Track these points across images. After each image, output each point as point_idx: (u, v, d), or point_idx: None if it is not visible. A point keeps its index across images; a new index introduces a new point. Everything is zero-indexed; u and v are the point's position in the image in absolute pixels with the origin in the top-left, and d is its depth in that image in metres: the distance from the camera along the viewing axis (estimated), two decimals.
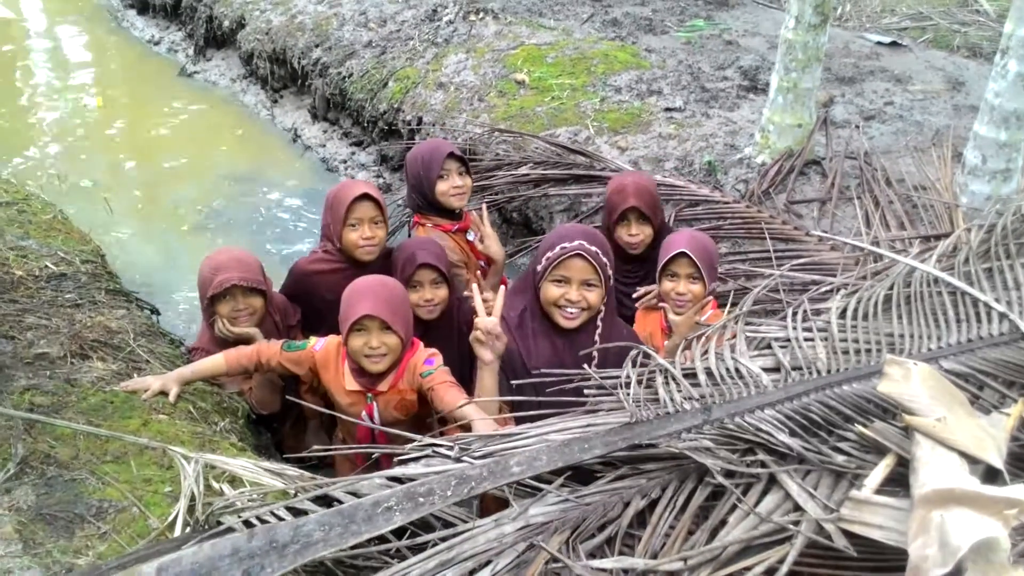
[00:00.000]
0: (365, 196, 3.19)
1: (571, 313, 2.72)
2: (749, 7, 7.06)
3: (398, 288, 2.90)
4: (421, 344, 2.94)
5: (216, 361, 2.90)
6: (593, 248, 2.69)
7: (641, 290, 3.32)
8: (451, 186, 3.49)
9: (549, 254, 2.71)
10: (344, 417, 2.84)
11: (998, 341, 2.64)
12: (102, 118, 7.24)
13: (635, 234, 3.44)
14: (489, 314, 2.70)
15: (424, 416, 2.94)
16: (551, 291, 2.72)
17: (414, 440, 2.53)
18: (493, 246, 3.63)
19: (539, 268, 2.74)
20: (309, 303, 3.34)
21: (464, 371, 2.96)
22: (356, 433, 2.98)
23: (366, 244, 3.21)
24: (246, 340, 3.04)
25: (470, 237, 3.63)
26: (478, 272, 3.68)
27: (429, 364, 2.85)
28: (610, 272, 2.75)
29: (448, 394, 2.73)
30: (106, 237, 4.02)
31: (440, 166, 3.46)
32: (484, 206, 3.71)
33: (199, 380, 2.93)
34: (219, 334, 3.04)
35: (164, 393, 2.78)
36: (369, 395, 2.86)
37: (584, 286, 2.71)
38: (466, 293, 3.11)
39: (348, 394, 2.87)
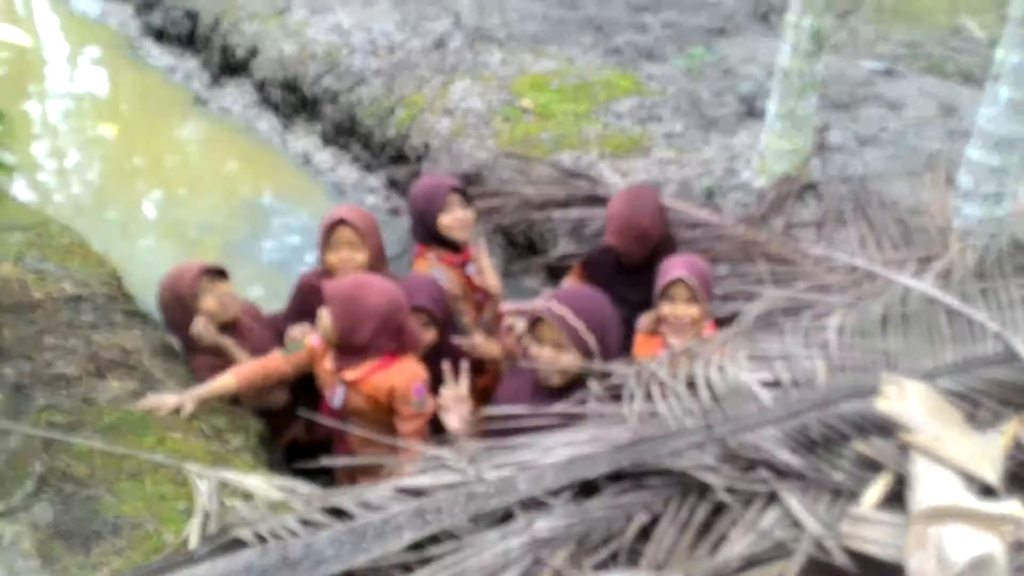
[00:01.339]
0: (341, 221, 3.31)
1: (545, 373, 2.75)
2: (747, 35, 7.16)
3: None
4: (406, 359, 3.03)
5: (226, 380, 2.97)
6: (559, 312, 2.68)
7: (643, 318, 3.39)
8: (454, 218, 3.54)
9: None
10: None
11: (992, 360, 2.70)
12: (118, 144, 7.34)
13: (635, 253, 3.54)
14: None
15: (390, 415, 3.04)
16: (532, 349, 2.76)
17: (374, 438, 2.77)
18: (490, 279, 3.68)
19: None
20: (306, 314, 3.41)
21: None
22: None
23: (344, 267, 3.32)
24: (219, 353, 3.16)
25: (470, 270, 3.68)
26: (476, 303, 3.75)
27: (418, 395, 2.98)
28: (585, 336, 2.68)
29: (406, 430, 2.97)
30: (122, 260, 4.08)
31: (442, 199, 3.52)
32: (482, 240, 3.77)
33: (213, 398, 2.99)
34: (198, 334, 3.12)
35: (179, 410, 2.84)
36: (339, 379, 3.00)
37: (553, 347, 2.71)
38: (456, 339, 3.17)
39: (325, 373, 3.04)
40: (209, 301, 3.14)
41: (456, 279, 3.62)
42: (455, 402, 2.82)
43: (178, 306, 3.15)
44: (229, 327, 3.23)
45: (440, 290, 3.32)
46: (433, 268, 3.58)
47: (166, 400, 2.85)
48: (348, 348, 2.95)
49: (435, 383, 3.07)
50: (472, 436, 2.77)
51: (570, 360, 2.68)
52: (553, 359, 2.70)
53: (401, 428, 2.97)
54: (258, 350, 3.20)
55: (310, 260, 5.50)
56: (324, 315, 2.93)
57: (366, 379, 2.96)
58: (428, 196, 3.56)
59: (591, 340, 2.68)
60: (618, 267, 3.63)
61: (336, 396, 3.02)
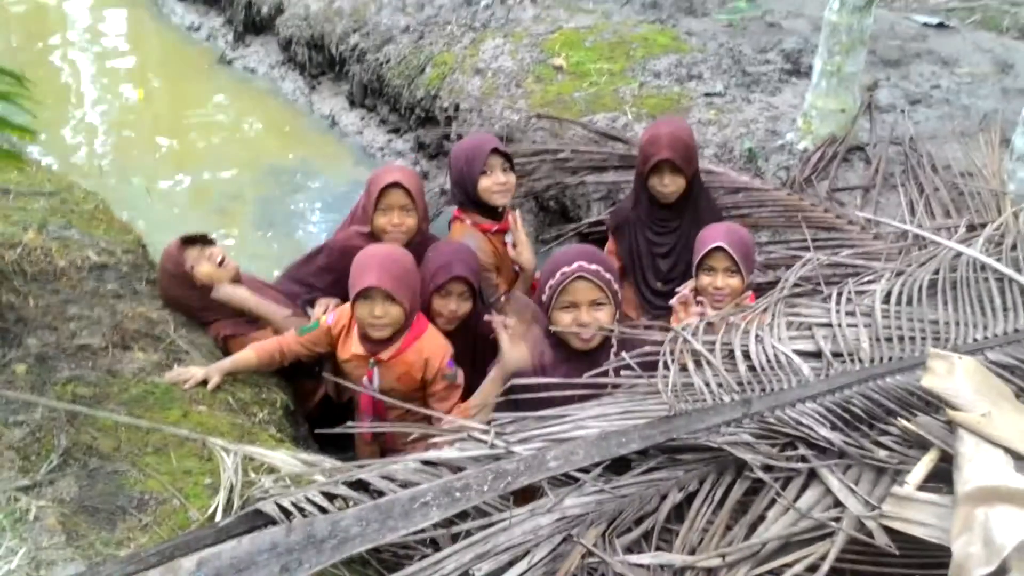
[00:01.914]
0: (396, 184, 3.23)
1: (586, 336, 2.67)
2: None
3: (406, 259, 2.94)
4: (432, 328, 3.01)
5: (247, 355, 3.00)
6: (593, 267, 2.62)
7: (679, 289, 3.29)
8: (494, 182, 3.44)
9: (551, 282, 2.65)
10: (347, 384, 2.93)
11: None
12: (143, 108, 7.31)
13: (667, 184, 3.41)
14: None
15: (421, 391, 3.02)
16: (562, 318, 2.67)
17: (412, 410, 2.73)
18: (525, 253, 3.58)
19: (544, 298, 2.69)
20: (342, 279, 3.35)
21: (473, 382, 2.99)
22: (357, 400, 3.07)
23: (394, 231, 3.27)
24: (239, 313, 3.18)
25: (508, 239, 3.59)
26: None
27: (451, 367, 2.96)
28: (616, 287, 2.68)
29: (443, 409, 2.92)
30: (148, 227, 4.05)
31: (483, 162, 3.41)
32: (518, 212, 3.66)
33: (238, 371, 2.99)
34: (226, 296, 3.16)
35: (205, 383, 2.83)
36: (372, 360, 2.95)
37: (593, 306, 2.65)
38: (486, 318, 3.10)
39: (353, 357, 2.98)
40: (203, 267, 3.15)
41: (490, 249, 3.53)
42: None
43: (176, 283, 3.17)
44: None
45: (476, 260, 3.23)
46: (467, 234, 3.49)
47: (193, 373, 2.83)
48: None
49: (463, 357, 3.01)
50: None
51: (608, 316, 2.66)
52: (594, 319, 2.65)
53: (437, 409, 2.91)
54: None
55: (336, 225, 5.45)
56: (387, 307, 2.84)
57: (400, 356, 2.92)
58: (469, 157, 3.46)
59: (617, 294, 2.68)
60: (648, 211, 3.53)
61: (374, 379, 2.97)
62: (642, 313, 3.58)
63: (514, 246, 3.58)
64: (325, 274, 3.41)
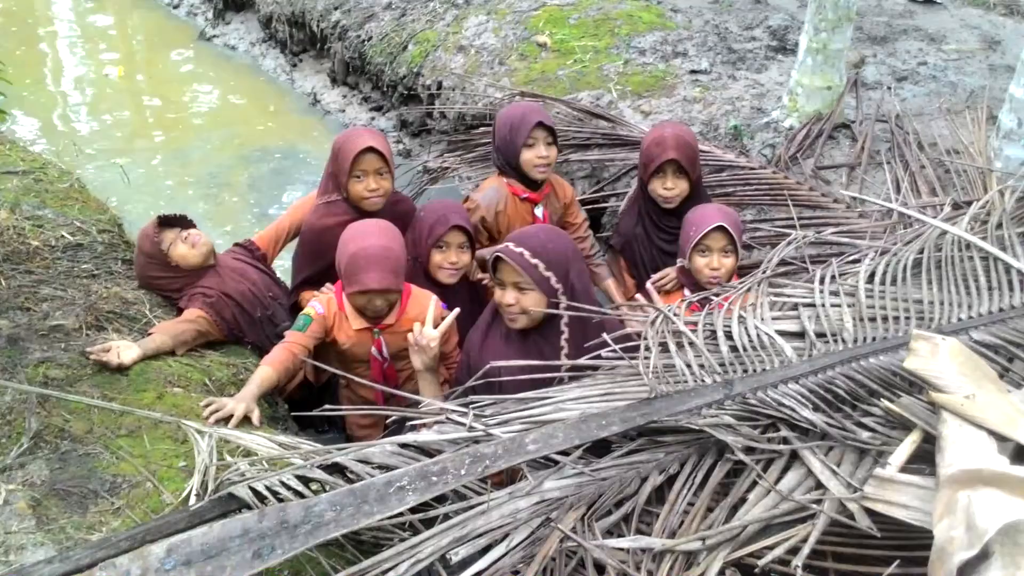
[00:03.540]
0: (370, 149, 3.18)
1: (511, 317, 2.60)
2: None
3: (396, 243, 2.91)
4: (412, 287, 3.03)
5: (267, 373, 2.81)
6: (517, 250, 2.53)
7: (656, 276, 3.26)
8: (536, 155, 3.42)
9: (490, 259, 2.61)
10: (352, 377, 2.81)
11: None
12: (121, 84, 7.22)
13: (670, 187, 3.36)
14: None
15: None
16: (496, 294, 2.63)
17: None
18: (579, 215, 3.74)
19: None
20: (321, 259, 3.29)
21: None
22: (369, 375, 3.02)
23: (371, 195, 3.22)
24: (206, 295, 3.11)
25: (537, 212, 3.55)
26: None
27: (444, 308, 2.97)
28: (546, 274, 2.54)
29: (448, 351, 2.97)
30: (125, 206, 3.98)
31: (528, 133, 3.39)
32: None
33: (266, 391, 2.84)
34: (176, 259, 3.12)
35: (247, 417, 2.63)
36: (376, 330, 2.95)
37: (516, 289, 2.56)
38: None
39: (356, 333, 2.95)
40: (178, 248, 3.11)
41: (512, 210, 3.50)
42: (424, 340, 2.71)
43: (152, 264, 3.12)
44: (211, 269, 3.20)
45: (466, 212, 3.26)
46: (494, 186, 3.51)
47: (233, 409, 2.61)
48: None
49: (465, 309, 2.98)
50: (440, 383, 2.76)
51: (533, 301, 2.54)
52: (515, 301, 2.56)
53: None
54: (253, 291, 3.24)
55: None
56: (387, 297, 2.86)
57: (402, 318, 2.94)
58: (514, 126, 3.44)
59: (553, 278, 2.54)
60: (653, 219, 3.49)
61: (383, 348, 2.98)
62: None
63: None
64: (307, 260, 3.37)
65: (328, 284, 3.15)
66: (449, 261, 3.11)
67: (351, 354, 2.99)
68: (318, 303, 2.98)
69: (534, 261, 2.54)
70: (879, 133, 4.17)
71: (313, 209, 3.36)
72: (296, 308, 3.30)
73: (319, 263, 3.28)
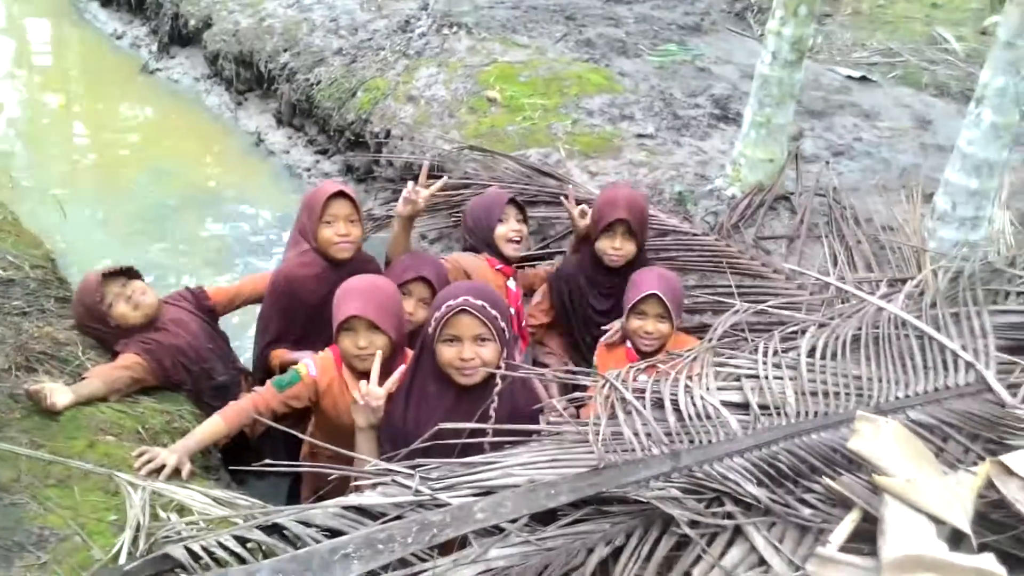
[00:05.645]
0: (340, 194, 3.22)
1: (468, 372, 2.58)
2: (722, 34, 7.09)
3: (389, 288, 2.87)
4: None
5: (215, 424, 2.73)
6: (479, 302, 2.54)
7: (607, 336, 3.29)
8: (510, 229, 3.59)
9: (436, 314, 2.57)
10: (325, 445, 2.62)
11: (964, 392, 2.63)
12: (61, 115, 7.06)
13: (618, 248, 3.42)
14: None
15: None
16: (444, 352, 2.58)
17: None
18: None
19: (430, 330, 2.60)
20: (291, 312, 3.26)
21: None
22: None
23: (341, 241, 3.22)
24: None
25: (510, 284, 3.63)
26: None
27: None
28: (503, 325, 2.58)
29: None
30: (62, 242, 3.86)
31: (501, 210, 3.60)
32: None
33: (207, 445, 2.77)
34: (117, 319, 3.02)
35: (178, 470, 2.55)
36: None
37: (477, 342, 2.57)
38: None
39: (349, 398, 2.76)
40: (119, 307, 3.02)
41: (491, 277, 3.53)
42: (372, 399, 2.61)
43: (91, 317, 3.03)
44: (151, 325, 3.09)
45: (445, 271, 3.28)
46: (471, 256, 3.60)
47: (163, 460, 2.53)
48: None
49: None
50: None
51: (493, 353, 2.56)
52: (474, 355, 2.55)
53: None
54: (192, 344, 3.12)
55: (259, 247, 5.32)
56: (372, 337, 2.74)
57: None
58: (487, 205, 3.67)
59: (506, 331, 2.59)
60: (593, 274, 3.55)
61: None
62: (571, 360, 3.67)
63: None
64: (276, 313, 3.30)
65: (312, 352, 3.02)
66: (407, 311, 3.05)
67: (339, 423, 2.82)
68: (313, 363, 2.85)
69: (494, 313, 2.56)
70: (817, 206, 4.29)
71: (284, 261, 3.34)
72: (266, 366, 3.22)
73: (289, 314, 3.25)
